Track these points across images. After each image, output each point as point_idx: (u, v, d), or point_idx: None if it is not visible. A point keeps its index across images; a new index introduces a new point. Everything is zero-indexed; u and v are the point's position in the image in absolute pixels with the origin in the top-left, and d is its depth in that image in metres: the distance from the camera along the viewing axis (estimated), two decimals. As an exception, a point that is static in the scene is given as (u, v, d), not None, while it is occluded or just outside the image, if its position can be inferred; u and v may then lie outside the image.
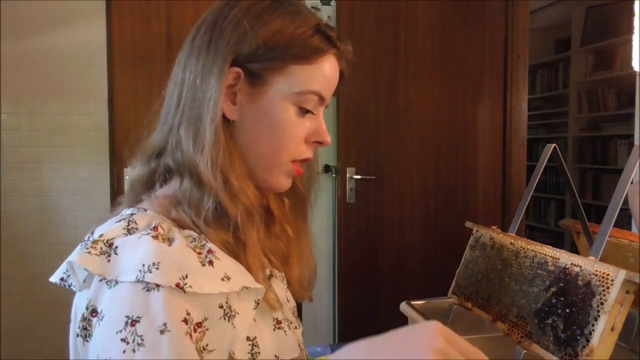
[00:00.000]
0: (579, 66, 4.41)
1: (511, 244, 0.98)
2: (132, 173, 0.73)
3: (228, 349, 0.62)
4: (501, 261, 0.98)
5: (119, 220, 0.64)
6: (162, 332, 0.55)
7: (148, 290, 0.56)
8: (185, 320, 0.57)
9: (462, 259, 1.12)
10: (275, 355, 0.67)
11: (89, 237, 0.62)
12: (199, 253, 0.61)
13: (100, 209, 2.45)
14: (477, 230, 1.11)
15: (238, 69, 0.67)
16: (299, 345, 0.75)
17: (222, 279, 0.61)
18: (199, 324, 0.59)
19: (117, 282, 0.57)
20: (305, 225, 0.82)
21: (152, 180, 0.71)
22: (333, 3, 2.55)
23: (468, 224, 1.14)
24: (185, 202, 0.66)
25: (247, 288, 0.63)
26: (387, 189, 2.63)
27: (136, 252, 0.58)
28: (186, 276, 0.58)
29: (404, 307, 1.26)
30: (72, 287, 0.63)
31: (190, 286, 0.58)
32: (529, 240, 0.95)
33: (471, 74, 2.69)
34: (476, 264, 1.06)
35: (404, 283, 2.65)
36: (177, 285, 0.57)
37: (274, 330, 0.70)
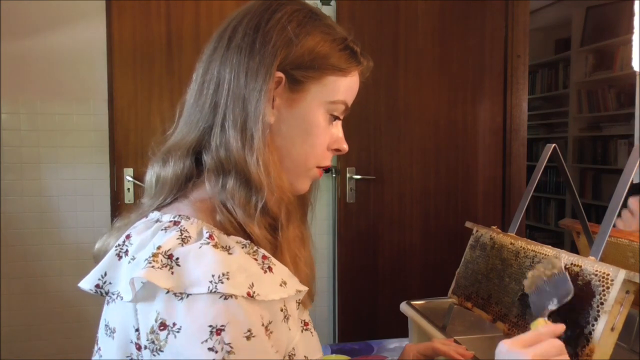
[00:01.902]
0: (579, 66, 4.41)
1: (511, 244, 0.98)
2: (163, 170, 0.71)
3: (286, 350, 0.64)
4: (501, 261, 0.98)
5: (165, 229, 0.63)
6: (248, 337, 0.57)
7: (225, 298, 0.57)
8: (264, 325, 0.60)
9: (462, 259, 1.12)
10: (305, 356, 0.68)
11: (127, 246, 0.64)
12: (255, 259, 0.63)
13: (100, 209, 2.45)
14: (477, 230, 1.11)
15: (281, 75, 0.69)
16: None
17: (280, 285, 0.63)
18: (267, 328, 0.60)
19: (187, 295, 0.57)
20: (305, 227, 0.83)
21: (185, 178, 0.71)
22: (333, 3, 2.55)
23: (468, 224, 1.14)
24: (231, 202, 0.65)
25: (299, 292, 0.65)
26: (387, 189, 2.63)
27: (201, 263, 0.58)
28: (252, 284, 0.59)
29: (404, 307, 1.26)
30: (110, 295, 0.64)
31: (258, 294, 0.59)
32: (529, 240, 0.95)
33: (471, 74, 2.69)
34: (476, 264, 1.06)
35: (404, 283, 2.65)
36: (248, 294, 0.58)
37: (302, 331, 0.71)
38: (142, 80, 2.44)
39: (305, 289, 0.67)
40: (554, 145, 1.00)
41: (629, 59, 2.39)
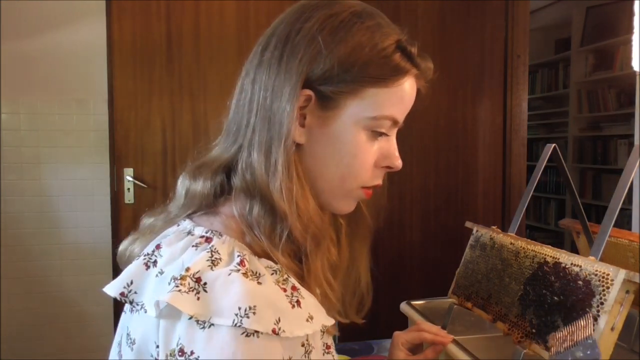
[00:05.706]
0: (579, 66, 4.41)
1: (511, 244, 0.98)
2: (192, 184, 0.69)
3: None
4: (501, 261, 0.98)
5: (196, 246, 0.61)
6: None
7: (247, 335, 0.55)
8: None
9: (462, 259, 1.12)
10: None
11: (155, 256, 0.62)
12: (284, 289, 0.60)
13: (100, 209, 2.45)
14: (477, 230, 1.11)
15: (310, 92, 0.63)
16: None
17: (307, 320, 0.60)
18: None
19: (211, 325, 0.55)
20: (363, 248, 0.80)
21: (215, 194, 0.69)
22: (333, 3, 2.55)
23: (468, 224, 1.14)
24: (257, 228, 0.63)
25: (326, 327, 0.63)
26: (387, 189, 2.62)
27: (229, 292, 0.56)
28: (279, 320, 0.57)
29: (404, 307, 1.26)
30: (134, 305, 0.62)
31: (284, 331, 0.57)
32: (529, 240, 0.95)
33: (471, 74, 2.69)
34: (476, 264, 1.06)
35: (404, 283, 2.65)
36: (273, 331, 0.56)
37: (323, 355, 0.68)
38: (142, 80, 2.44)
39: (331, 322, 0.64)
40: (554, 145, 1.00)
41: (629, 59, 2.39)
